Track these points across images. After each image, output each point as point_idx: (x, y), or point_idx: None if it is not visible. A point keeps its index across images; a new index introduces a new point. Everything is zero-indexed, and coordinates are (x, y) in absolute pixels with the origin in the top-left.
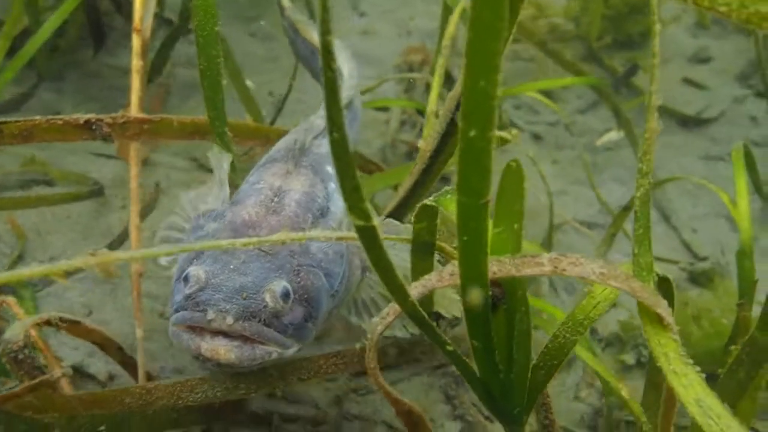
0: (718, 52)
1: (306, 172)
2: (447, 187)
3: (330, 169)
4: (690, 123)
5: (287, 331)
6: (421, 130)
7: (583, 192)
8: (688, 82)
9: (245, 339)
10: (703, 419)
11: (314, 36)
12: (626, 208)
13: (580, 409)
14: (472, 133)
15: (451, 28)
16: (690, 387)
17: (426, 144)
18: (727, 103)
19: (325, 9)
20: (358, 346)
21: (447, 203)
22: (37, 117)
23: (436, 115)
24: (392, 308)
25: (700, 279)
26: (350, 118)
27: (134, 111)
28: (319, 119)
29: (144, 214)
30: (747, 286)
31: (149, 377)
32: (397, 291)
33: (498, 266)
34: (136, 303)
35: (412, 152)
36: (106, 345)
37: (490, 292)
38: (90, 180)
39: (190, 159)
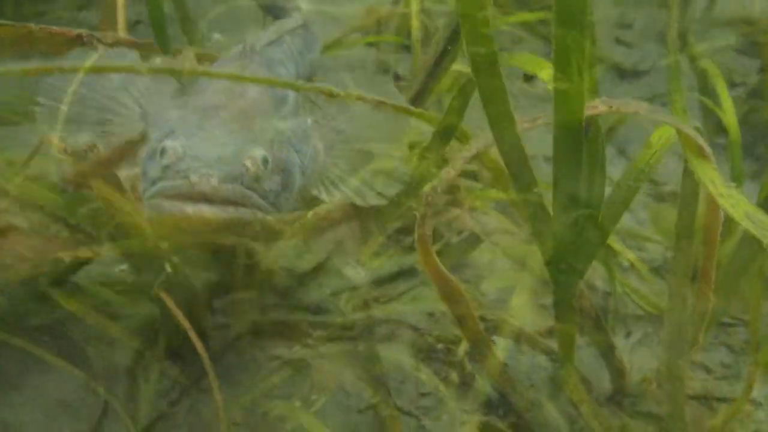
0: (636, 18)
1: (261, 69)
2: None
3: (284, 71)
4: (628, 75)
5: (268, 197)
6: None
7: None
8: (619, 41)
9: (228, 203)
10: (756, 231)
11: None
12: None
13: None
14: None
15: None
16: (737, 205)
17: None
18: (655, 58)
19: None
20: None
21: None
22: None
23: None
24: (449, 172)
25: (667, 198)
26: (307, 40)
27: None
28: (268, 32)
29: None
30: None
31: None
32: (504, 119)
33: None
34: None
35: None
36: None
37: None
38: None
39: None
